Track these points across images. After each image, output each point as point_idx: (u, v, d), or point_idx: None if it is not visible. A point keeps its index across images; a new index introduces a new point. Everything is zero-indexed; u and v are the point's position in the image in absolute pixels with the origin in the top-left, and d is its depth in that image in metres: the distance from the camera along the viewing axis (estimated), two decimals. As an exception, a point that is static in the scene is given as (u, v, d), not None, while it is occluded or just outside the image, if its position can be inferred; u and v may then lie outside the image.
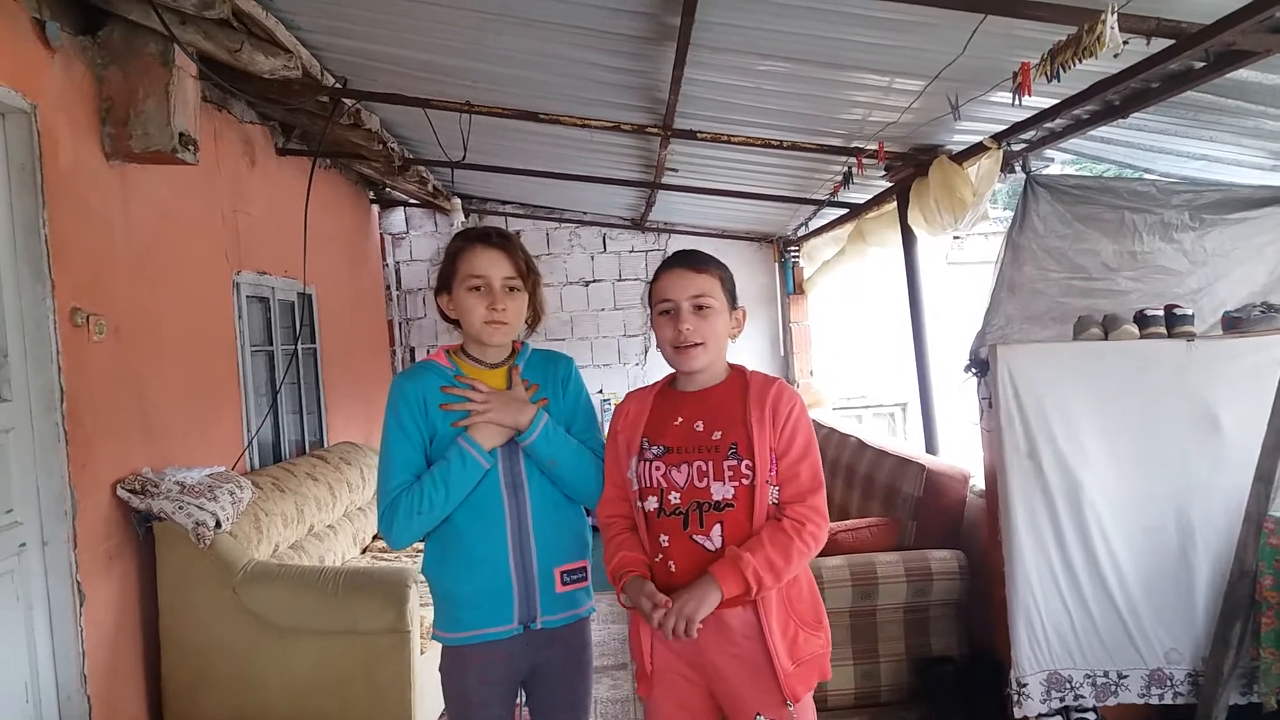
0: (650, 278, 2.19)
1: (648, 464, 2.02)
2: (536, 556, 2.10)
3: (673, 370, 2.15)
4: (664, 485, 1.99)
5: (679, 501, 1.98)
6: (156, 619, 3.54)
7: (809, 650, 2.01)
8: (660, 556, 2.00)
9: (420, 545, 2.19)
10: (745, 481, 1.94)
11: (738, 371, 2.12)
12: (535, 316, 2.23)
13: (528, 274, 2.15)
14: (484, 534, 2.08)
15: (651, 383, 2.19)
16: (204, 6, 3.07)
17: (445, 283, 2.15)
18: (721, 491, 1.95)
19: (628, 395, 2.19)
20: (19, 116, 3.03)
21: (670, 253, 2.27)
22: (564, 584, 2.14)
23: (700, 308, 2.03)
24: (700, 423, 2.02)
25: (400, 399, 2.10)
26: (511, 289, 2.12)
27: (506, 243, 2.14)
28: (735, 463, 1.95)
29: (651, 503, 2.01)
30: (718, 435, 1.98)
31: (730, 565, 1.90)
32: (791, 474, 1.98)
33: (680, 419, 2.05)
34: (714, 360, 2.08)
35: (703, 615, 1.89)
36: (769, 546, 1.91)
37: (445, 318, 2.20)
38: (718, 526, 1.95)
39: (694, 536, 1.96)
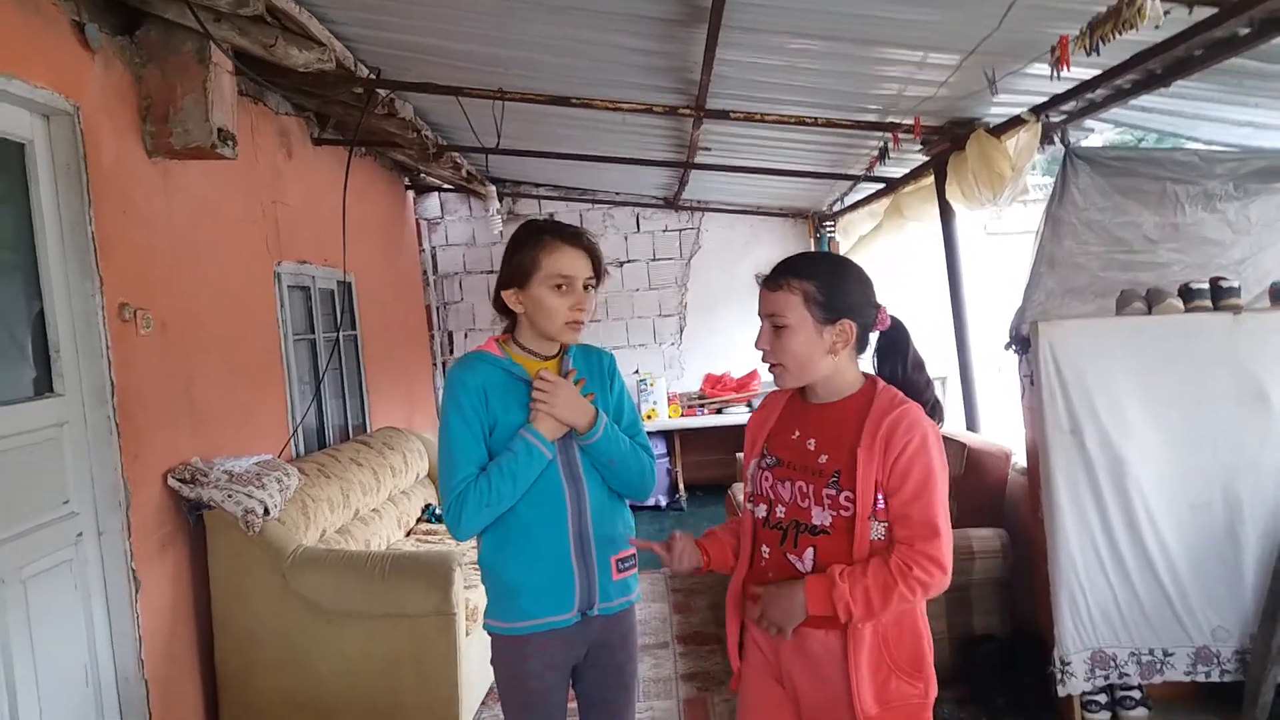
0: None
1: (762, 472, 1.99)
2: (595, 545, 2.13)
3: None
4: (771, 497, 1.95)
5: (782, 516, 1.93)
6: (209, 604, 3.63)
7: (900, 697, 1.86)
8: (762, 564, 1.97)
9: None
10: (844, 513, 1.84)
11: (868, 388, 1.95)
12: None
13: (601, 274, 2.16)
14: (546, 523, 2.11)
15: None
16: (239, 4, 3.10)
17: (521, 277, 2.12)
18: (820, 517, 1.87)
19: (769, 394, 2.13)
20: (63, 118, 3.09)
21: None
22: (619, 571, 2.17)
23: (776, 327, 1.92)
24: (813, 441, 1.92)
25: (462, 390, 2.11)
26: (587, 288, 2.13)
27: (591, 244, 2.14)
28: (835, 493, 1.85)
29: (761, 510, 1.98)
30: (824, 459, 1.88)
31: (823, 586, 1.81)
32: (901, 515, 1.83)
33: (798, 433, 1.96)
34: (802, 379, 1.95)
35: (789, 627, 1.87)
36: (870, 580, 1.79)
37: (502, 309, 2.18)
38: (810, 550, 1.88)
39: (788, 554, 1.91)
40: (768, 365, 1.97)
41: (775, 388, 2.07)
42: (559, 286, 2.10)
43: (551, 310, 2.11)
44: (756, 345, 1.97)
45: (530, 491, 2.09)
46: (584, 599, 2.13)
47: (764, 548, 1.96)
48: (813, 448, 1.91)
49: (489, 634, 2.22)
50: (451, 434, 2.10)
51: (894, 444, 1.82)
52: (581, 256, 2.12)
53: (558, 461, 2.12)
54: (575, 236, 2.13)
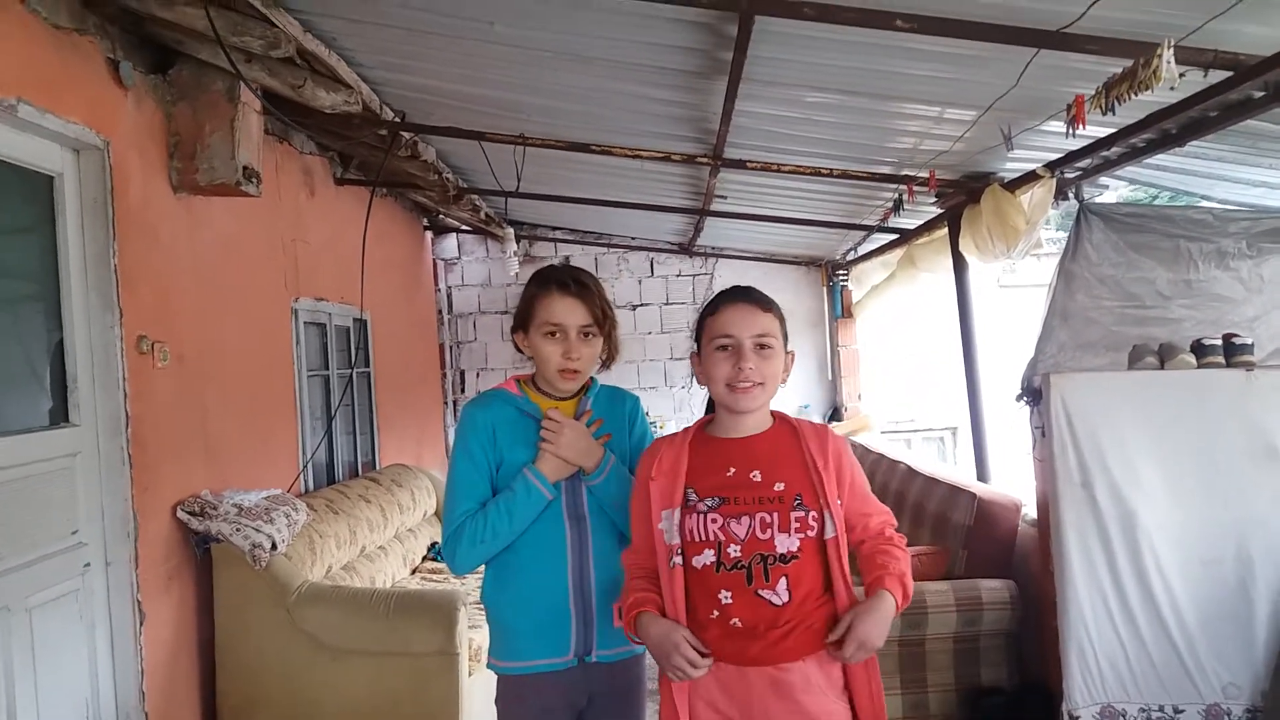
0: (701, 305, 2.10)
1: (701, 516, 1.89)
2: (595, 589, 2.10)
3: (710, 415, 2.04)
4: (722, 538, 1.87)
5: (740, 555, 1.86)
6: (213, 638, 3.62)
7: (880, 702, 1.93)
8: (717, 614, 1.87)
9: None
10: (811, 534, 1.87)
11: (780, 417, 2.03)
12: (610, 356, 2.22)
13: (604, 320, 2.14)
14: (545, 564, 2.09)
15: (680, 430, 2.05)
16: (271, 46, 3.17)
17: (522, 322, 2.16)
18: (786, 544, 1.85)
19: (657, 441, 2.06)
20: (93, 153, 3.15)
21: (723, 286, 2.17)
22: (621, 619, 2.13)
23: (762, 347, 1.93)
24: (757, 472, 1.90)
25: (470, 428, 2.13)
26: (587, 335, 2.12)
27: (584, 290, 2.12)
28: (803, 514, 1.87)
29: (707, 557, 1.88)
30: (780, 486, 1.89)
31: (897, 580, 1.90)
32: (875, 509, 2.02)
33: (733, 469, 1.92)
34: (767, 402, 1.98)
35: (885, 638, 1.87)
36: (902, 561, 1.93)
37: (520, 351, 2.21)
38: (783, 580, 1.85)
39: (759, 591, 1.85)
40: (742, 385, 1.91)
41: (666, 436, 2.07)
42: (552, 334, 2.10)
43: (545, 357, 2.11)
44: (740, 364, 1.90)
45: (531, 530, 2.08)
46: (581, 644, 2.10)
47: (723, 594, 1.86)
48: (760, 479, 1.90)
49: (494, 673, 2.21)
50: (457, 469, 2.12)
51: (843, 460, 1.96)
52: (574, 305, 2.10)
53: (561, 502, 2.11)
54: (566, 284, 2.11)
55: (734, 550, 1.87)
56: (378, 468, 5.84)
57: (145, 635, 3.27)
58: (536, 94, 4.12)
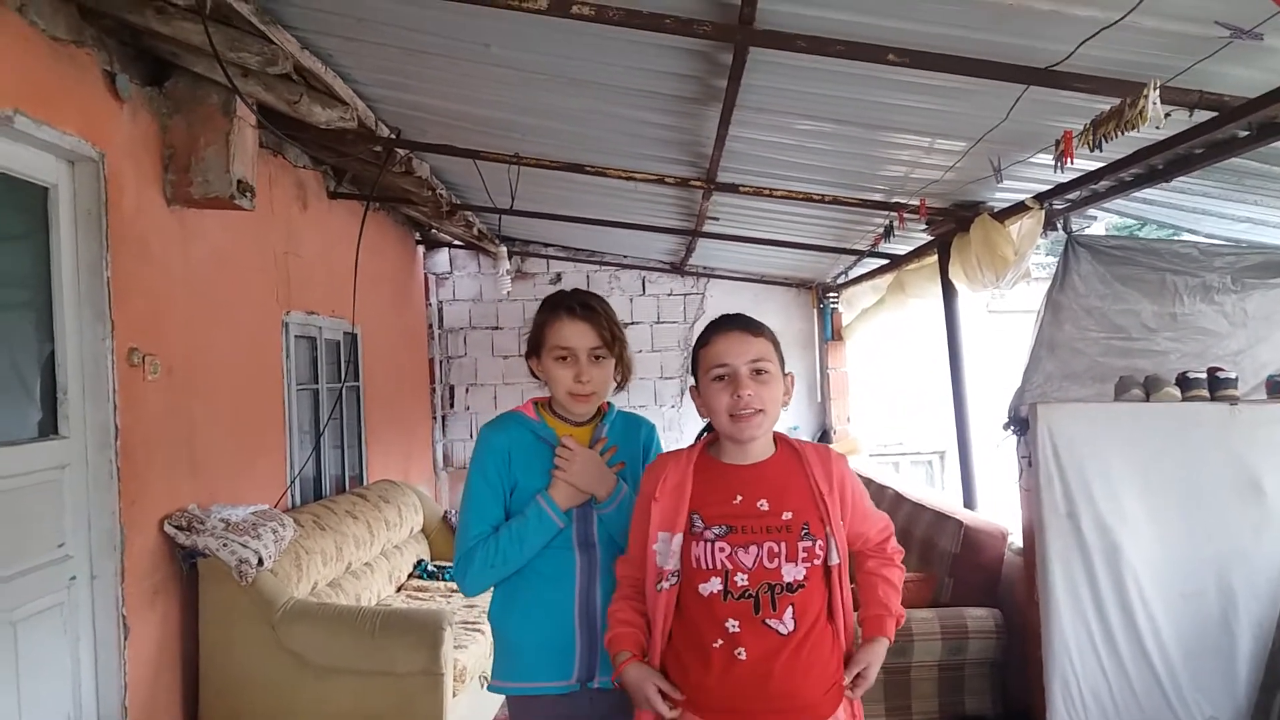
0: (692, 326, 2.09)
1: (709, 544, 1.88)
2: (601, 616, 2.09)
3: (713, 434, 2.02)
4: (729, 567, 1.86)
5: (747, 584, 1.85)
6: (197, 654, 3.60)
7: None
8: (720, 643, 1.85)
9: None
10: (817, 562, 1.87)
11: (784, 441, 2.01)
12: (623, 376, 2.22)
13: (614, 341, 2.15)
14: (553, 588, 2.10)
15: (684, 448, 2.03)
16: (268, 62, 3.18)
17: (535, 348, 2.17)
18: (793, 573, 1.85)
19: (662, 457, 2.06)
20: (88, 164, 3.15)
21: (715, 306, 2.18)
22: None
23: (759, 372, 1.91)
24: (764, 501, 1.89)
25: (487, 450, 2.14)
26: (597, 358, 2.13)
27: (591, 313, 2.13)
28: (810, 544, 1.87)
29: (714, 585, 1.86)
30: (788, 515, 1.88)
31: (891, 622, 2.01)
32: (873, 524, 2.07)
33: (740, 497, 1.90)
34: (771, 428, 1.96)
35: None
36: (894, 582, 2.04)
37: (536, 377, 2.22)
38: (790, 609, 1.85)
39: (766, 620, 1.84)
40: (743, 414, 1.89)
41: (670, 453, 2.06)
42: (562, 358, 2.12)
43: (557, 381, 2.13)
44: (739, 392, 1.88)
45: (540, 556, 2.09)
46: (584, 669, 2.10)
47: (730, 623, 1.85)
48: (767, 508, 1.88)
49: (500, 694, 2.21)
50: (471, 492, 2.13)
51: (846, 484, 1.97)
52: (582, 328, 2.12)
53: (571, 529, 2.12)
54: (573, 308, 2.13)
55: (741, 579, 1.86)
56: (365, 483, 5.82)
57: (129, 650, 3.25)
58: (531, 115, 4.15)
